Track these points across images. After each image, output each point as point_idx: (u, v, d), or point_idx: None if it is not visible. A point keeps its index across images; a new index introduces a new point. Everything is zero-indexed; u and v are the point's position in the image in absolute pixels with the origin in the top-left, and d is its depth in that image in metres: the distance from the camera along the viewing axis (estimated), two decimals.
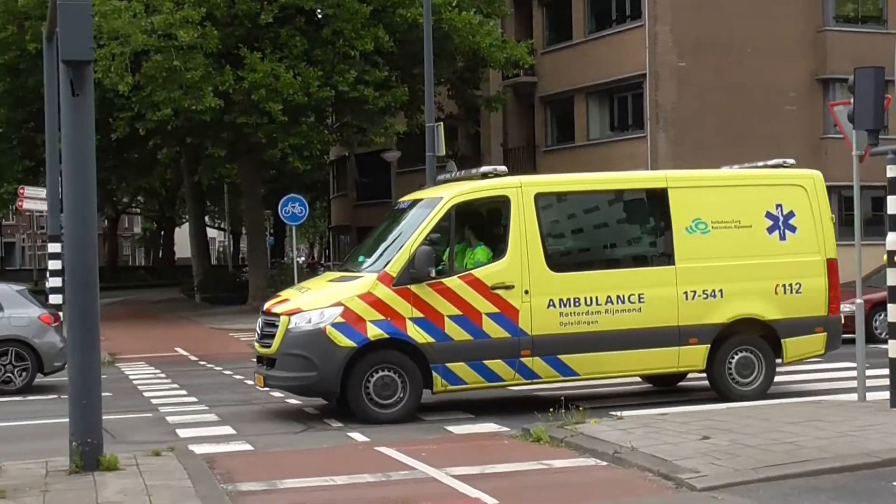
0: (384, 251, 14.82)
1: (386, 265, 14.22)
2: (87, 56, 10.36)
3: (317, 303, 14.30)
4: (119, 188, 54.85)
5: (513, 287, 14.32)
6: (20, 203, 27.76)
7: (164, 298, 51.70)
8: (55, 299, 23.84)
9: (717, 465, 10.23)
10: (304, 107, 34.17)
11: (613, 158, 38.12)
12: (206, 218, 66.40)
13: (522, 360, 14.39)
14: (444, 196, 14.70)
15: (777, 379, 15.97)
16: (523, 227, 14.49)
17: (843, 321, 15.98)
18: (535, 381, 14.76)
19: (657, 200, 15.35)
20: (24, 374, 18.14)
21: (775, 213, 15.43)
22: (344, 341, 13.90)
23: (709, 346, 15.03)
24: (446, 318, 14.17)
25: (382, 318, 13.99)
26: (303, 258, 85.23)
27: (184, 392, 17.68)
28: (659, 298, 14.83)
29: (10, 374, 18.16)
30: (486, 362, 14.29)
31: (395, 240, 14.83)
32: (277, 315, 14.44)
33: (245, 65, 33.32)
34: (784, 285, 15.33)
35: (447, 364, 14.19)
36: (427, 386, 14.32)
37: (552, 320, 14.44)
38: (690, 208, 15.18)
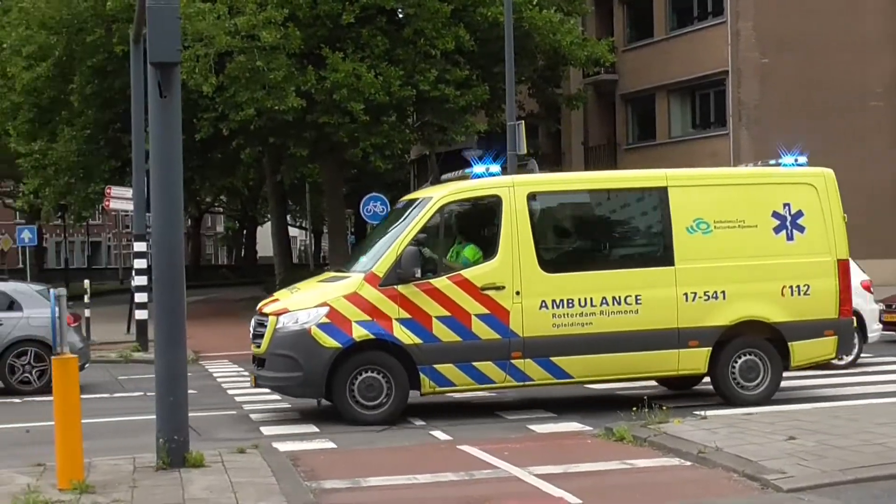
0: (375, 251, 14.68)
1: (373, 265, 14.13)
2: (174, 58, 10.50)
3: (303, 303, 14.30)
4: (203, 188, 55.51)
5: (503, 288, 14.10)
6: (107, 203, 28.13)
7: (246, 297, 52.06)
8: (141, 298, 24.26)
9: (803, 467, 10.08)
10: (386, 106, 34.26)
11: (695, 156, 37.78)
12: (288, 217, 66.93)
13: (513, 361, 14.14)
14: (434, 196, 14.60)
15: (863, 380, 15.70)
16: (515, 227, 14.25)
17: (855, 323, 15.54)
18: (527, 383, 14.46)
19: (657, 199, 14.91)
20: (42, 374, 18.05)
21: (783, 212, 14.91)
22: (329, 342, 13.83)
23: (710, 349, 14.60)
24: (434, 319, 14.00)
25: (368, 318, 13.89)
26: None
27: (266, 390, 17.78)
28: (657, 300, 14.45)
29: (28, 375, 18.19)
30: (475, 364, 14.08)
31: (385, 240, 14.72)
32: (267, 315, 14.45)
33: (327, 65, 33.48)
34: (791, 287, 14.79)
35: (435, 365, 14.01)
36: (414, 387, 14.17)
37: (544, 322, 14.17)
38: (692, 207, 14.76)
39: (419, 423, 14.09)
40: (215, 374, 20.72)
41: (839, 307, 14.99)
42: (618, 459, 11.17)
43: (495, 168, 14.81)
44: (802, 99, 37.05)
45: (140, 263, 24.26)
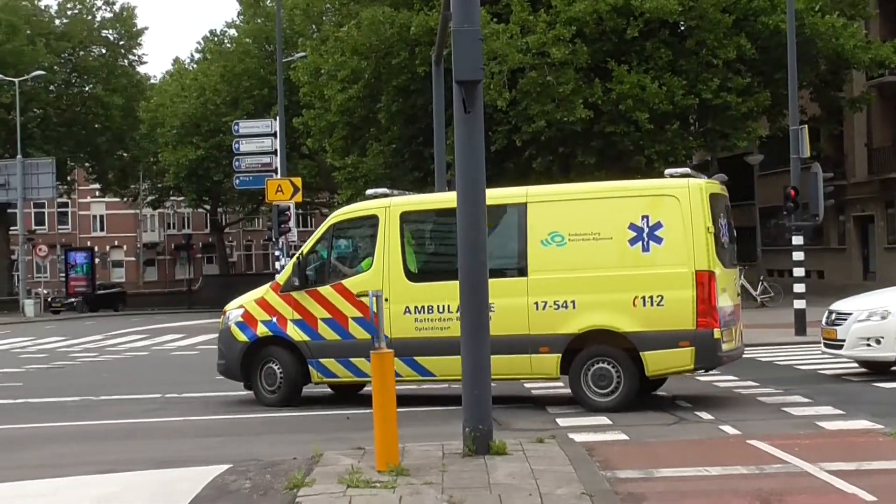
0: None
1: (279, 275, 16.37)
2: (477, 76, 10.67)
3: (233, 305, 16.66)
4: None
5: None
6: None
7: None
8: None
9: None
10: (669, 114, 33.93)
11: None
12: None
13: None
14: (329, 216, 16.50)
15: None
16: (387, 243, 15.36)
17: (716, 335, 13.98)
18: (396, 378, 14.29)
19: (516, 215, 15.04)
20: None
21: (640, 224, 14.30)
22: (241, 336, 16.20)
23: (560, 355, 14.55)
24: (319, 321, 15.68)
25: (269, 318, 16.00)
26: None
27: (561, 384, 17.89)
28: (509, 308, 14.55)
29: None
30: (352, 360, 15.41)
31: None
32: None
33: (613, 77, 33.48)
34: (644, 297, 14.16)
35: (320, 360, 15.68)
36: (307, 378, 15.84)
37: (408, 325, 15.05)
38: (548, 222, 14.74)
39: (707, 417, 13.83)
40: None
41: (696, 318, 14.02)
42: None
43: (382, 190, 16.14)
44: None
45: None
